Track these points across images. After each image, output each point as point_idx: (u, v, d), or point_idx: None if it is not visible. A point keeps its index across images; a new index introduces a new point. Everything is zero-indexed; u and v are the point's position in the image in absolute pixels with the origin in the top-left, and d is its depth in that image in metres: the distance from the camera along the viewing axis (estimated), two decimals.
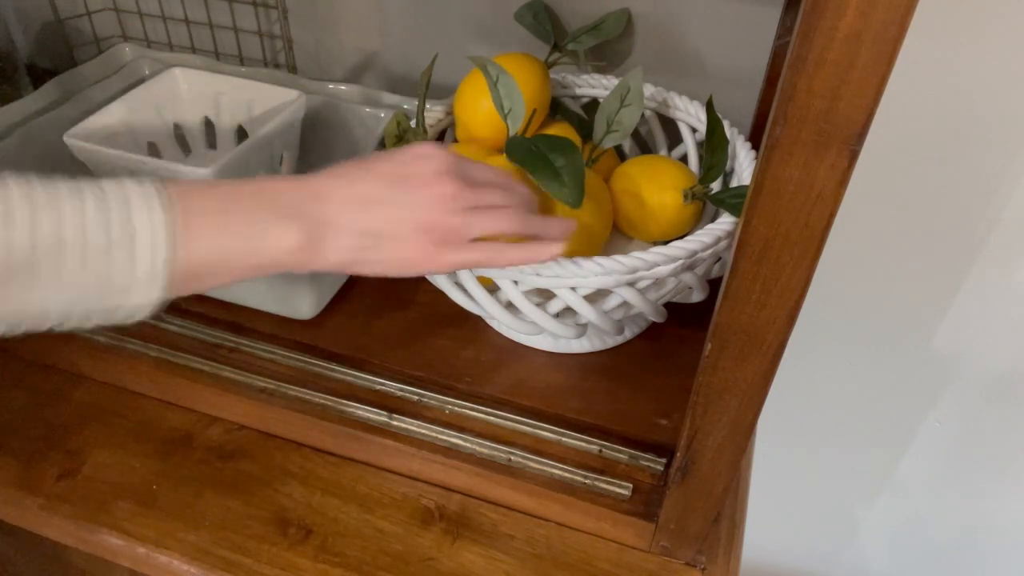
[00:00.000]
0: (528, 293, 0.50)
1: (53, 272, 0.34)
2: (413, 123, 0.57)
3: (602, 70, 0.69)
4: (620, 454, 0.52)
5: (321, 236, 0.39)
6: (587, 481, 0.51)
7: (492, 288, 0.51)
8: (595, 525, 0.51)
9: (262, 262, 0.39)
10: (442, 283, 0.53)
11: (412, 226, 0.41)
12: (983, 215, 0.68)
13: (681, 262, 0.49)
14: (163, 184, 0.37)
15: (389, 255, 0.41)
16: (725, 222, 0.51)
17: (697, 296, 0.54)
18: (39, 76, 0.76)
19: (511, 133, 0.53)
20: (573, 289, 0.49)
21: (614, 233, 0.60)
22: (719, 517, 0.52)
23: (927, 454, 0.87)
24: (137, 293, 0.36)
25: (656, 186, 0.57)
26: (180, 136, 0.68)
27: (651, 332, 0.61)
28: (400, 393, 0.56)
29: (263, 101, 0.65)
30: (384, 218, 0.41)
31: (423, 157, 0.42)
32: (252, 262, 0.39)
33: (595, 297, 0.50)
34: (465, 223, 0.42)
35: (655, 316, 0.53)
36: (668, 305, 0.54)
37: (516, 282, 0.49)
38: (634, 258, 0.48)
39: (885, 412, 0.85)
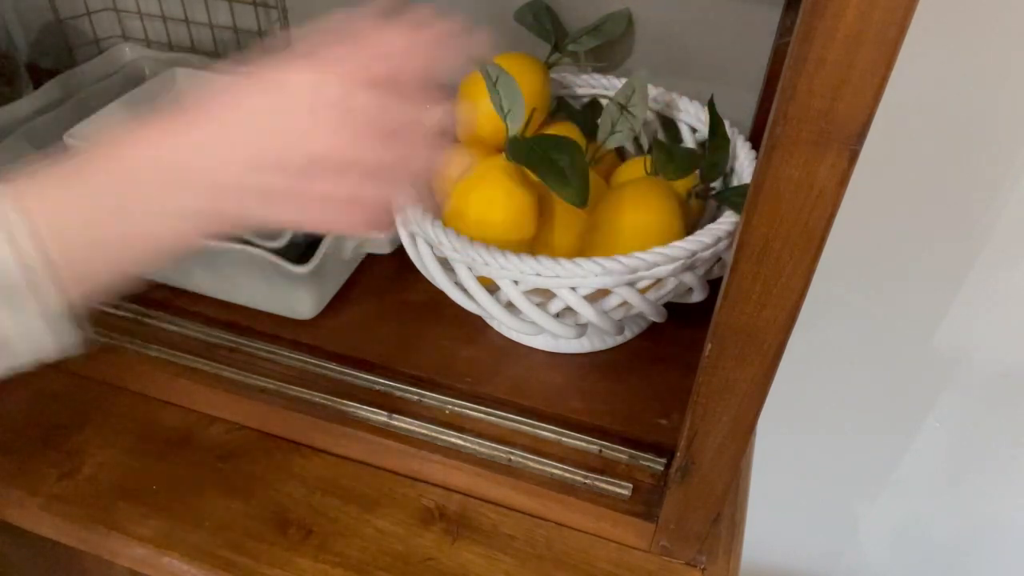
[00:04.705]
0: (528, 293, 0.50)
1: None
2: None
3: (602, 71, 0.69)
4: (620, 454, 0.52)
5: None
6: (587, 481, 0.51)
7: (492, 288, 0.51)
8: (595, 525, 0.51)
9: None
10: (442, 283, 0.53)
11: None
12: (983, 215, 0.68)
13: (681, 262, 0.49)
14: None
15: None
16: (725, 222, 0.51)
17: (697, 296, 0.54)
18: (39, 76, 0.76)
19: (511, 133, 0.53)
20: (573, 289, 0.49)
21: None
22: (719, 517, 0.52)
23: (927, 454, 0.87)
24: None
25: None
26: None
27: (651, 332, 0.61)
28: (400, 393, 0.56)
29: None
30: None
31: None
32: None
33: (595, 297, 0.50)
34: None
35: (655, 316, 0.53)
36: (668, 305, 0.54)
37: (516, 282, 0.49)
38: (634, 258, 0.48)
39: (885, 412, 0.85)
